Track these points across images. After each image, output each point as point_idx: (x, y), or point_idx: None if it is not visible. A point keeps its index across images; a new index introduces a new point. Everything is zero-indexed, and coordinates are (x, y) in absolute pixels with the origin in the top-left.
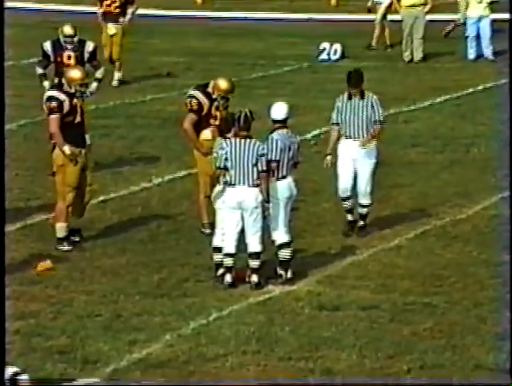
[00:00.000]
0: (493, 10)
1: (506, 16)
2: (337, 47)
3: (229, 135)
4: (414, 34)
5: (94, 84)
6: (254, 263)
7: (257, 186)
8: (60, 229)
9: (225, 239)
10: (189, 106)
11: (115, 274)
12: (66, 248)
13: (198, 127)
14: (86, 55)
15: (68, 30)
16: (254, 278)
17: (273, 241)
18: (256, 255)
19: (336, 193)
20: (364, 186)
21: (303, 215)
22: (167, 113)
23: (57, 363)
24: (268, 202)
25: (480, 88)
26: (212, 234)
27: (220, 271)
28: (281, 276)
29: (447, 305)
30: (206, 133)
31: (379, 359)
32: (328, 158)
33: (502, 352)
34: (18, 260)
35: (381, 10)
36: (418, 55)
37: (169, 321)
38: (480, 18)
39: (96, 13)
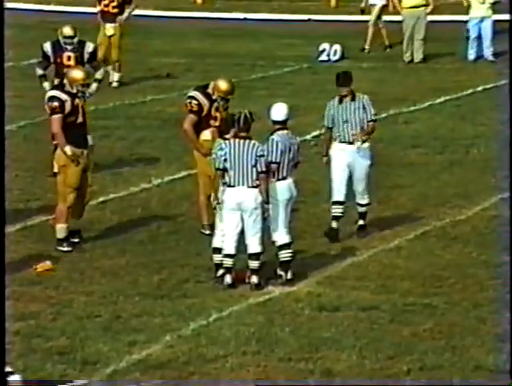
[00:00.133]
0: (493, 11)
1: (506, 17)
2: (337, 47)
3: (227, 136)
4: (415, 34)
5: (94, 85)
6: (254, 264)
7: (256, 187)
8: (60, 230)
9: (224, 240)
10: (189, 107)
11: (115, 275)
12: (66, 248)
13: (198, 128)
14: (86, 56)
15: (67, 31)
16: (254, 279)
17: (273, 242)
18: (256, 256)
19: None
20: (361, 187)
21: (303, 216)
22: (167, 114)
23: (57, 364)
24: (268, 203)
25: (480, 88)
26: (211, 235)
27: (220, 272)
28: (281, 276)
29: (447, 306)
30: (206, 134)
31: (379, 359)
32: (325, 159)
33: (502, 353)
34: (18, 261)
35: (376, 11)
36: (418, 56)
37: (169, 322)
38: (482, 19)
39: (96, 13)
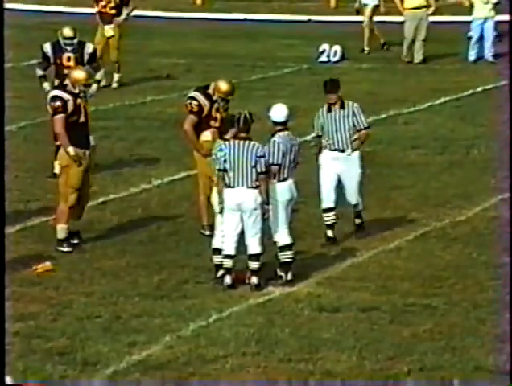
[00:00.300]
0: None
1: (506, 18)
2: (337, 48)
3: (227, 136)
4: (416, 35)
5: (94, 86)
6: (254, 265)
7: (256, 187)
8: (61, 230)
9: (224, 240)
10: (189, 108)
11: (115, 276)
12: (66, 249)
13: (198, 129)
14: (86, 57)
15: (67, 32)
16: (254, 280)
17: (275, 242)
18: (256, 256)
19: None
20: (354, 198)
21: (304, 217)
22: (167, 115)
23: (57, 365)
24: (268, 203)
25: (479, 89)
26: (211, 236)
27: (220, 272)
28: (281, 277)
29: (446, 307)
30: (206, 135)
31: (379, 360)
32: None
33: (502, 354)
34: (18, 262)
35: (368, 12)
36: (418, 57)
37: (169, 322)
38: (485, 20)
39: (94, 14)
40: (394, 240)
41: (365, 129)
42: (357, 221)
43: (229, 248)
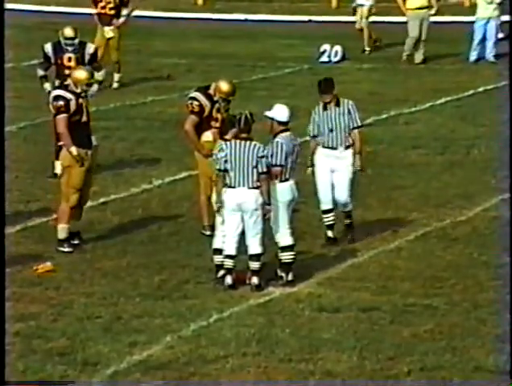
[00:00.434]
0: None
1: (506, 18)
2: (338, 48)
3: (227, 136)
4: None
5: (95, 86)
6: (255, 265)
7: (257, 188)
8: (62, 230)
9: (225, 241)
10: (190, 108)
11: (115, 276)
12: (67, 249)
13: (199, 129)
14: (87, 57)
15: (68, 32)
16: (255, 280)
17: (276, 243)
18: (256, 257)
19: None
20: (343, 195)
21: (304, 217)
22: (168, 115)
23: (57, 365)
24: (269, 204)
25: (480, 89)
26: (212, 236)
27: (221, 273)
28: (281, 277)
29: (447, 307)
30: (207, 135)
31: (379, 360)
32: (309, 170)
33: (502, 354)
34: (18, 262)
35: (364, 12)
36: (419, 57)
37: (169, 323)
38: (489, 20)
39: (92, 14)
40: (394, 240)
41: (358, 127)
42: (346, 221)
43: (230, 249)
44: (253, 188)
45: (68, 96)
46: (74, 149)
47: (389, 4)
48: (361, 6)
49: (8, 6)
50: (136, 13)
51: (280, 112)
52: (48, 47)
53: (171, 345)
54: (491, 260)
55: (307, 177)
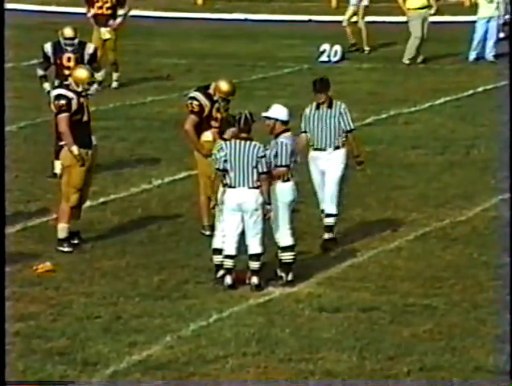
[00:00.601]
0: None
1: (506, 18)
2: (338, 48)
3: (225, 136)
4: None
5: (94, 86)
6: (254, 265)
7: (257, 187)
8: (62, 230)
9: (225, 241)
10: (190, 108)
11: (115, 276)
12: (66, 249)
13: (199, 129)
14: (86, 57)
15: (68, 32)
16: (254, 280)
17: (276, 243)
18: (256, 257)
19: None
20: (329, 194)
21: (304, 217)
22: (168, 115)
23: (57, 365)
24: (269, 204)
25: (480, 89)
26: (212, 236)
27: (221, 273)
28: (281, 277)
29: (446, 307)
30: (207, 135)
31: (379, 360)
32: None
33: (502, 354)
34: (18, 262)
35: (361, 11)
36: (419, 57)
37: (169, 322)
38: (489, 19)
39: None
40: (394, 240)
41: (351, 131)
42: (326, 236)
43: (230, 249)
44: (254, 188)
45: (70, 95)
46: (75, 149)
47: (389, 4)
48: (356, 5)
49: (8, 6)
50: (136, 13)
51: (282, 112)
52: (48, 47)
53: (171, 345)
54: (491, 260)
55: (306, 176)
